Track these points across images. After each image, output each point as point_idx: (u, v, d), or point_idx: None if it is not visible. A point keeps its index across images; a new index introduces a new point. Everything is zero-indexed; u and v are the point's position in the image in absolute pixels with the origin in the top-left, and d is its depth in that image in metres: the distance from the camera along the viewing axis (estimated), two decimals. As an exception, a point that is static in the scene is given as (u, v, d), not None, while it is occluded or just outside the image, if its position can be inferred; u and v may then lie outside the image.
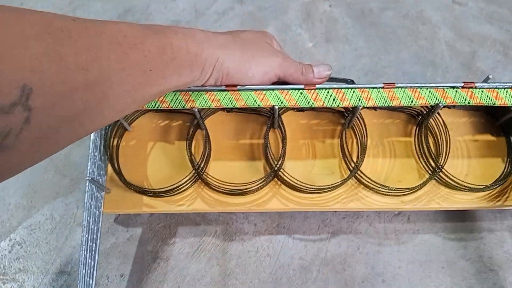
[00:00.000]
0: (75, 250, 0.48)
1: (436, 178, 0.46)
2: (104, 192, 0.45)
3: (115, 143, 0.47)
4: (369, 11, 0.66)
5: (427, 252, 0.47)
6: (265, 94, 0.42)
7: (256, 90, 0.42)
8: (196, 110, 0.43)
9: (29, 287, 0.47)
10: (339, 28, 0.65)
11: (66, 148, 0.54)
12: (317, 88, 0.42)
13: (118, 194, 0.46)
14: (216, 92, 0.42)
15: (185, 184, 0.45)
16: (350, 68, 0.60)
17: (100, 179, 0.44)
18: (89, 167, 0.41)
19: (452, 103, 0.42)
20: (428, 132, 0.47)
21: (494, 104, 0.42)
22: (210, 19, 0.66)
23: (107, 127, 0.46)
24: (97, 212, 0.42)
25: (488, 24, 0.64)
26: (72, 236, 0.49)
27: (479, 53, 0.61)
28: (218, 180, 0.46)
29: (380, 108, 0.49)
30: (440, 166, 0.45)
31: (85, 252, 0.38)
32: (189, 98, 0.42)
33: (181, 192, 0.46)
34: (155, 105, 0.42)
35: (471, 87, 0.42)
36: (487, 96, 0.42)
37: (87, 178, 0.40)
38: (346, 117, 0.49)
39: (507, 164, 0.47)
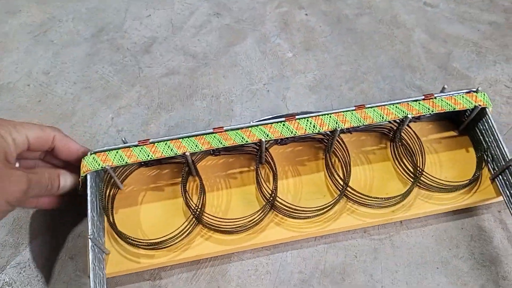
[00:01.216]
0: (69, 285, 0.46)
1: (418, 184, 0.48)
2: (104, 254, 0.44)
3: (109, 202, 0.47)
4: (345, 18, 0.67)
5: (421, 254, 0.48)
6: (251, 131, 0.44)
7: (242, 128, 0.44)
8: (188, 154, 0.44)
9: (23, 328, 0.45)
10: (317, 36, 0.65)
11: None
12: (297, 118, 0.44)
13: (119, 254, 0.45)
14: (205, 135, 0.43)
15: (185, 230, 0.45)
16: (331, 76, 0.61)
17: (100, 239, 0.43)
18: (89, 227, 0.41)
19: (418, 113, 0.46)
20: (402, 145, 0.50)
21: (454, 109, 0.46)
22: (188, 34, 0.65)
23: (101, 187, 0.46)
24: (101, 273, 0.42)
25: (460, 24, 0.66)
26: (64, 271, 0.47)
27: (454, 53, 0.63)
28: (218, 218, 0.46)
29: (355, 130, 0.52)
30: (420, 171, 0.48)
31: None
32: (180, 145, 0.43)
33: (183, 239, 0.45)
34: (148, 155, 0.43)
35: (431, 98, 0.46)
36: (447, 103, 0.46)
37: (89, 236, 0.39)
38: (326, 143, 0.50)
39: (477, 159, 0.50)
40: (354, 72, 0.61)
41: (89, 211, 0.42)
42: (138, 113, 0.57)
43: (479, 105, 0.46)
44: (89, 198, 0.42)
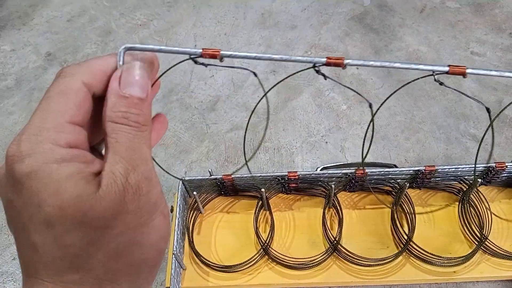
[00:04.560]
0: (154, 331, 0.50)
1: (483, 248, 0.49)
2: (182, 269, 0.49)
3: (190, 224, 0.53)
4: (394, 70, 0.71)
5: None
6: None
7: (310, 174, 0.49)
8: (263, 190, 0.48)
9: None
10: (369, 89, 0.69)
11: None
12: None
13: (193, 271, 0.50)
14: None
15: (252, 260, 0.49)
16: (387, 126, 0.64)
17: (180, 255, 0.48)
18: (174, 244, 0.46)
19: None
20: (470, 206, 0.51)
21: None
22: (248, 91, 0.71)
23: (186, 211, 0.52)
24: (178, 286, 0.47)
25: (508, 72, 0.68)
26: None
27: (505, 100, 0.65)
28: (283, 254, 0.49)
29: (425, 186, 0.54)
30: (485, 236, 0.48)
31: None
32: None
33: (250, 266, 0.49)
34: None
35: (503, 167, 0.49)
36: None
37: (173, 252, 0.45)
38: (393, 196, 0.53)
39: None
40: (409, 122, 0.64)
41: (175, 230, 0.48)
42: (208, 167, 0.62)
43: None
44: (176, 219, 0.48)
